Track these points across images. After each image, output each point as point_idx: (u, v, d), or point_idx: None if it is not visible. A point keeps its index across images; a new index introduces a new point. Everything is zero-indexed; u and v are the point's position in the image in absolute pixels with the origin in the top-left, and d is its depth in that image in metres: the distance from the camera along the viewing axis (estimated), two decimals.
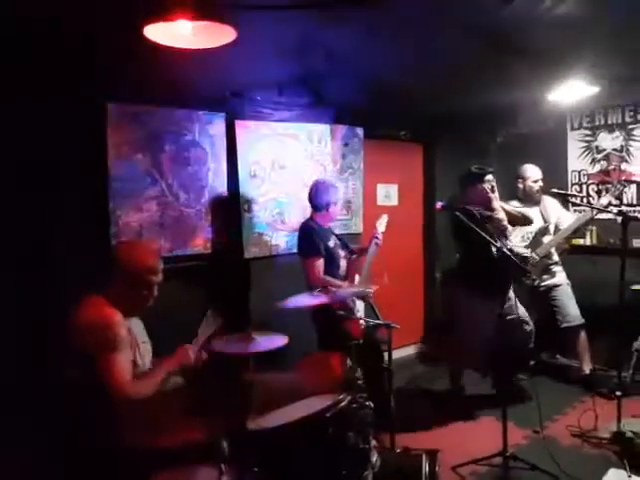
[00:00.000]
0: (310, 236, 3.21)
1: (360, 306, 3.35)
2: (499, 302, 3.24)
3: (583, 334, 3.96)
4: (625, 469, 2.75)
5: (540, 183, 4.01)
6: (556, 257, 4.06)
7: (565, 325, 3.96)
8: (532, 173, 4.04)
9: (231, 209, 3.68)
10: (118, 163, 3.11)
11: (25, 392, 2.51)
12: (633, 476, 2.70)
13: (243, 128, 3.73)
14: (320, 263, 3.16)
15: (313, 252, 3.17)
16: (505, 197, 4.45)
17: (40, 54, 2.54)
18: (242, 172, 3.73)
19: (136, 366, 1.87)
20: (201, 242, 3.52)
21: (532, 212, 3.99)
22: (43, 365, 2.48)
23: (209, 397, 1.53)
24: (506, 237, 3.47)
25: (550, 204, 4.10)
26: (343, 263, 3.37)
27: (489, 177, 3.44)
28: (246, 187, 3.75)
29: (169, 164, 3.37)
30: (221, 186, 3.63)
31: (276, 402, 1.92)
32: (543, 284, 3.99)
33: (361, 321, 3.19)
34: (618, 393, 2.90)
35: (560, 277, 4.03)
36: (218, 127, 3.61)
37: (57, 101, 2.83)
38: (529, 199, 4.05)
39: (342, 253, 3.38)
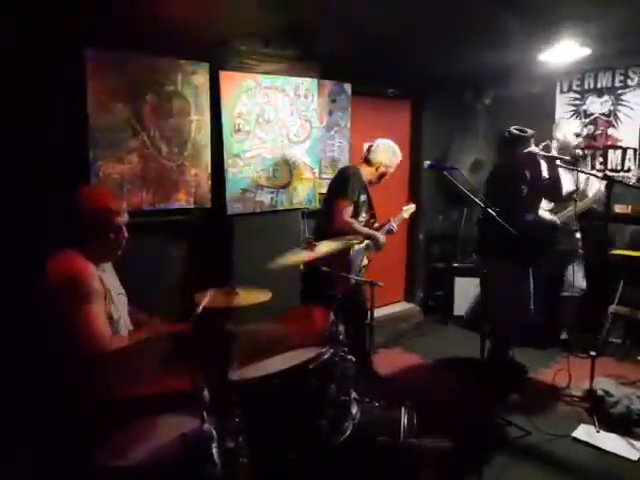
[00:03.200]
0: (349, 180, 3.26)
1: (364, 262, 3.38)
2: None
3: (579, 304, 3.94)
4: (594, 425, 2.87)
5: (580, 139, 3.86)
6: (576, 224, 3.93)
7: (567, 294, 3.93)
8: (570, 128, 3.89)
9: (215, 164, 3.59)
10: (98, 112, 2.98)
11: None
12: (601, 431, 2.83)
13: (228, 79, 3.60)
14: (350, 208, 3.20)
15: (347, 195, 3.20)
16: (493, 160, 4.46)
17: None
18: (226, 126, 3.62)
19: (111, 318, 1.83)
20: (183, 197, 3.45)
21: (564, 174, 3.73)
22: (21, 321, 2.44)
23: (192, 347, 1.51)
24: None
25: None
26: (362, 221, 3.39)
27: (531, 140, 3.36)
28: (230, 141, 3.66)
29: (150, 115, 3.24)
30: (205, 140, 3.53)
31: (259, 353, 1.93)
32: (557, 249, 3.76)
33: (351, 277, 3.24)
34: (592, 353, 2.98)
35: (576, 244, 3.94)
36: (202, 77, 3.47)
37: (33, 45, 2.67)
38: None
39: (364, 214, 3.41)
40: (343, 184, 3.28)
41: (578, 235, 3.94)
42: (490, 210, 2.66)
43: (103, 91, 2.99)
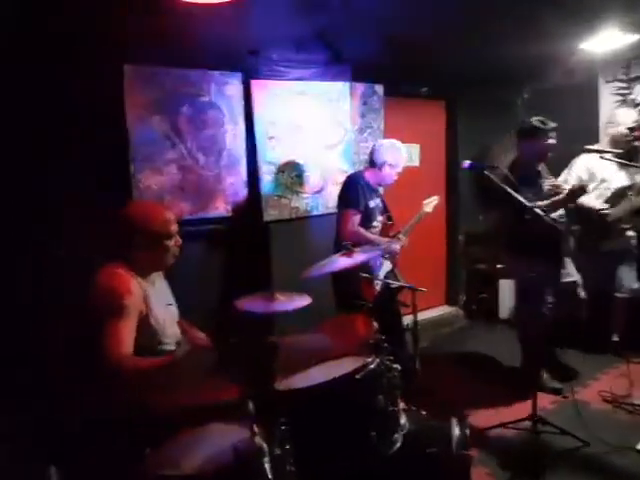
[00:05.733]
0: (353, 188, 3.17)
1: (386, 267, 3.29)
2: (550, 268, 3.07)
3: (628, 305, 3.74)
4: None
5: (637, 132, 3.57)
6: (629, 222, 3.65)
7: (619, 295, 3.72)
8: (626, 118, 3.64)
9: (249, 171, 3.60)
10: (136, 126, 3.04)
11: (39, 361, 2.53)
12: None
13: (259, 88, 3.61)
14: (356, 218, 3.10)
15: (351, 204, 3.12)
16: None
17: (55, 15, 2.45)
18: (259, 134, 3.63)
19: (151, 331, 1.82)
20: (221, 205, 3.47)
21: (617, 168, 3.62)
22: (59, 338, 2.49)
23: (234, 357, 1.49)
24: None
25: None
26: (377, 226, 3.29)
27: (552, 133, 3.20)
28: (264, 149, 3.66)
29: (187, 127, 3.29)
30: (239, 148, 3.54)
31: (303, 363, 1.89)
32: (608, 248, 3.63)
33: (378, 285, 3.15)
34: None
35: (629, 243, 3.72)
36: (234, 87, 3.49)
37: (73, 63, 2.74)
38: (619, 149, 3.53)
39: (379, 217, 3.30)
40: (346, 193, 3.19)
41: (630, 233, 3.70)
42: (536, 209, 2.55)
43: (140, 104, 3.05)
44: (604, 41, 3.62)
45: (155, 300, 1.88)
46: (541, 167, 3.37)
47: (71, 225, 2.71)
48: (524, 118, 3.30)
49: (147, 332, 1.80)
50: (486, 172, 2.75)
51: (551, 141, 3.19)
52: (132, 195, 3.02)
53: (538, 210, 2.55)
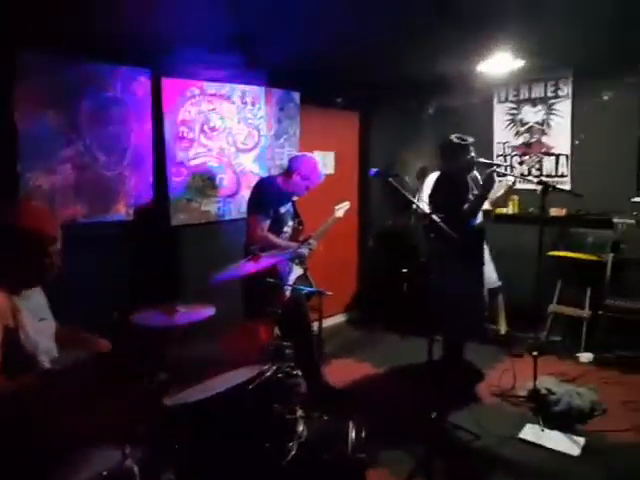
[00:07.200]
0: (263, 193, 3.18)
1: (297, 272, 3.31)
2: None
3: (500, 297, 4.20)
4: (539, 424, 2.93)
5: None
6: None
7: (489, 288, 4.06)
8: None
9: (157, 173, 3.46)
10: (27, 119, 2.81)
11: None
12: (546, 430, 2.90)
13: (170, 86, 3.49)
14: (265, 223, 3.09)
15: (261, 210, 3.11)
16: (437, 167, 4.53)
17: None
18: (169, 133, 3.51)
19: (21, 347, 1.64)
20: (122, 208, 3.30)
21: None
22: None
23: (121, 373, 1.41)
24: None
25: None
26: (287, 231, 3.31)
27: (472, 147, 3.38)
28: (173, 150, 3.55)
29: (87, 123, 3.10)
30: (146, 148, 3.40)
31: (199, 375, 1.84)
32: None
33: (287, 291, 3.16)
34: (535, 353, 3.06)
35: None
36: (143, 84, 3.35)
37: None
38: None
39: (290, 222, 3.32)
40: (255, 199, 3.21)
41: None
42: (434, 216, 2.69)
43: (33, 96, 2.83)
44: (498, 64, 3.94)
45: (27, 315, 1.71)
46: (470, 178, 3.52)
47: None
48: (449, 136, 3.42)
49: (16, 348, 1.63)
50: (390, 180, 2.86)
51: (472, 154, 3.38)
52: (18, 196, 2.77)
53: (435, 217, 2.69)
